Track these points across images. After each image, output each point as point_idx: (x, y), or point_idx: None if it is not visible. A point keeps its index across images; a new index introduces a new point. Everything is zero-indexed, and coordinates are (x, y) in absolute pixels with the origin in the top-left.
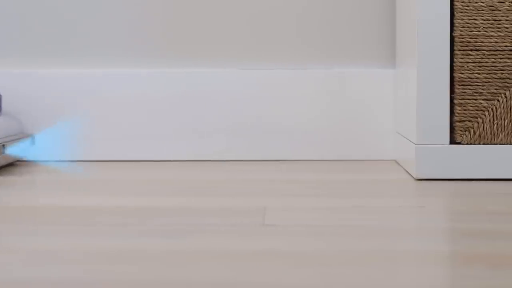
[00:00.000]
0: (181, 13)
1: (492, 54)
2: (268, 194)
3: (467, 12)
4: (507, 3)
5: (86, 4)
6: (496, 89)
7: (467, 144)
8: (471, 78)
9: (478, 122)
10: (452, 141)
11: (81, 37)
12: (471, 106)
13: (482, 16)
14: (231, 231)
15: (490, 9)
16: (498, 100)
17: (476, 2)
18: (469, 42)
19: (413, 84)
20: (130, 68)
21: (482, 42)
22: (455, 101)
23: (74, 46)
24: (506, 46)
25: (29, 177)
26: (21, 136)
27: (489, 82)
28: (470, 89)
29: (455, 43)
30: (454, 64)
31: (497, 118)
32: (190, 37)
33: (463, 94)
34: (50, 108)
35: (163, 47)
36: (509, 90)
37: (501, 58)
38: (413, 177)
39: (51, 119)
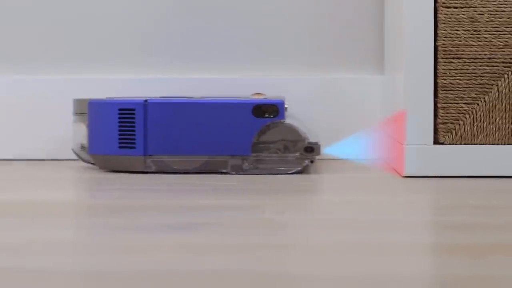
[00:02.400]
0: (186, 26)
1: (472, 62)
2: (265, 192)
3: (450, 23)
4: (486, 15)
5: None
6: (476, 94)
7: (449, 144)
8: (453, 84)
9: (459, 124)
10: (436, 142)
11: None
12: (453, 110)
13: (463, 27)
14: (232, 225)
15: (471, 21)
16: (478, 104)
17: (458, 14)
18: (451, 50)
19: (400, 89)
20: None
21: (463, 50)
22: (439, 105)
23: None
24: (485, 54)
25: None
26: None
27: (470, 87)
28: (452, 94)
29: (438, 52)
30: (437, 71)
31: (477, 121)
32: (196, 46)
33: (445, 98)
34: None
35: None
36: (488, 95)
37: (480, 66)
38: (400, 174)
39: None
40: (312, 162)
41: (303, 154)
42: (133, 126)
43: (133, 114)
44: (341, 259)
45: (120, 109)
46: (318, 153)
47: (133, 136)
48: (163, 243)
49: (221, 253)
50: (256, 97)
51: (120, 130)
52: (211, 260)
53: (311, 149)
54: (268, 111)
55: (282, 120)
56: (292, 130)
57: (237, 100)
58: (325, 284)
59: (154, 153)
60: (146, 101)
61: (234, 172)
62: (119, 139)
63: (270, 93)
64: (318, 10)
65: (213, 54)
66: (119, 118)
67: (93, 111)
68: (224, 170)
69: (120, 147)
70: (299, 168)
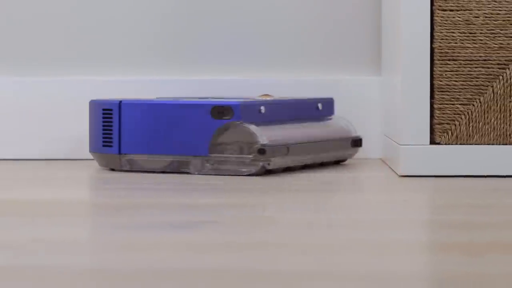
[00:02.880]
0: (188, 30)
1: (468, 64)
2: (264, 192)
3: (446, 26)
4: (481, 18)
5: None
6: (471, 95)
7: (445, 144)
8: (449, 85)
9: (455, 125)
10: (432, 142)
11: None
12: (449, 110)
13: (459, 30)
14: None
15: (466, 23)
16: (473, 105)
17: (454, 17)
18: (447, 52)
19: (397, 90)
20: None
21: (459, 52)
22: (435, 106)
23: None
24: (480, 56)
25: None
26: None
27: (465, 88)
28: (448, 95)
29: (434, 54)
30: (433, 73)
31: (472, 121)
32: (200, 50)
33: (442, 99)
34: None
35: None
36: (483, 96)
37: (475, 67)
38: (397, 174)
39: None
40: (268, 164)
41: (256, 156)
42: (111, 126)
43: (111, 114)
44: (338, 257)
45: (103, 109)
46: (272, 156)
47: (111, 135)
48: (164, 241)
49: (221, 250)
50: (263, 98)
51: (102, 130)
52: (212, 257)
53: (263, 151)
54: (224, 112)
55: (238, 122)
56: (245, 132)
57: (195, 101)
58: (323, 281)
59: (127, 152)
60: (120, 101)
61: (196, 173)
62: (102, 138)
63: (277, 94)
64: (317, 15)
65: (219, 56)
66: (103, 117)
67: (90, 111)
68: (187, 170)
69: (103, 146)
70: (253, 171)
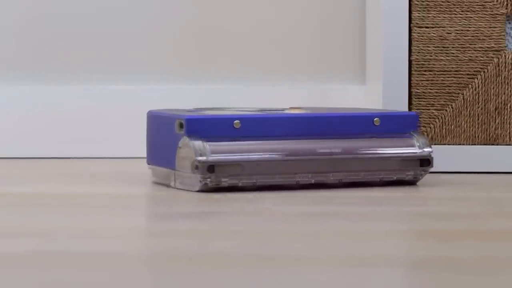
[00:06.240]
0: (193, 43)
1: (441, 74)
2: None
3: (422, 41)
4: (453, 34)
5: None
6: (444, 101)
7: None
8: (425, 93)
9: (430, 127)
10: None
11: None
12: (425, 115)
13: (433, 44)
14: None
15: (440, 39)
16: (446, 110)
17: (429, 33)
18: (423, 64)
19: (379, 97)
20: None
21: (434, 64)
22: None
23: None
24: (452, 67)
25: None
26: None
27: (439, 96)
28: (424, 101)
29: (412, 65)
30: (411, 82)
31: (445, 124)
32: (202, 62)
33: (418, 105)
34: None
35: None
36: (454, 102)
37: (448, 77)
38: None
39: None
40: (213, 182)
41: (193, 172)
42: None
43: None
44: (328, 244)
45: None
46: (212, 172)
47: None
48: (177, 229)
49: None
50: (293, 111)
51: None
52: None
53: (197, 167)
54: (183, 127)
55: (185, 136)
56: (189, 146)
57: (168, 113)
58: (315, 264)
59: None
60: (149, 112)
61: (174, 186)
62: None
63: (268, 103)
64: (307, 30)
65: (220, 70)
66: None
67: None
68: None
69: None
70: (195, 189)
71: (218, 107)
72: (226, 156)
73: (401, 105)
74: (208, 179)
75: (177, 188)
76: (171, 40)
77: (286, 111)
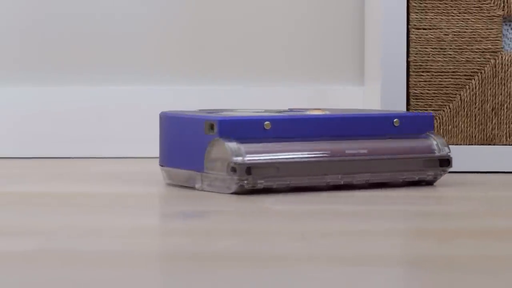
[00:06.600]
0: (196, 43)
1: (439, 75)
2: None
3: (420, 42)
4: (450, 35)
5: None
6: (442, 102)
7: None
8: (422, 94)
9: None
10: None
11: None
12: None
13: (431, 45)
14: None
15: (437, 40)
16: (444, 111)
17: (427, 35)
18: (421, 65)
19: (377, 98)
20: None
21: (431, 65)
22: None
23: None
24: (449, 68)
25: None
26: None
27: (437, 96)
28: (422, 102)
29: (410, 66)
30: (409, 83)
31: (443, 125)
32: (206, 63)
33: (416, 106)
34: None
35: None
36: (452, 103)
37: (446, 78)
38: None
39: None
40: (249, 184)
41: (229, 174)
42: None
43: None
44: (328, 243)
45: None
46: (250, 174)
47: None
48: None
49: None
50: (316, 112)
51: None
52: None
53: (234, 169)
54: (214, 128)
55: (218, 138)
56: (224, 148)
57: (191, 115)
58: (316, 263)
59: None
60: (162, 113)
61: (200, 189)
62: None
63: (268, 104)
64: (306, 32)
65: (222, 71)
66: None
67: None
68: (194, 186)
69: None
70: (230, 191)
71: (225, 109)
72: (262, 157)
73: (399, 106)
74: (245, 181)
75: (205, 191)
76: (172, 41)
77: (308, 113)
